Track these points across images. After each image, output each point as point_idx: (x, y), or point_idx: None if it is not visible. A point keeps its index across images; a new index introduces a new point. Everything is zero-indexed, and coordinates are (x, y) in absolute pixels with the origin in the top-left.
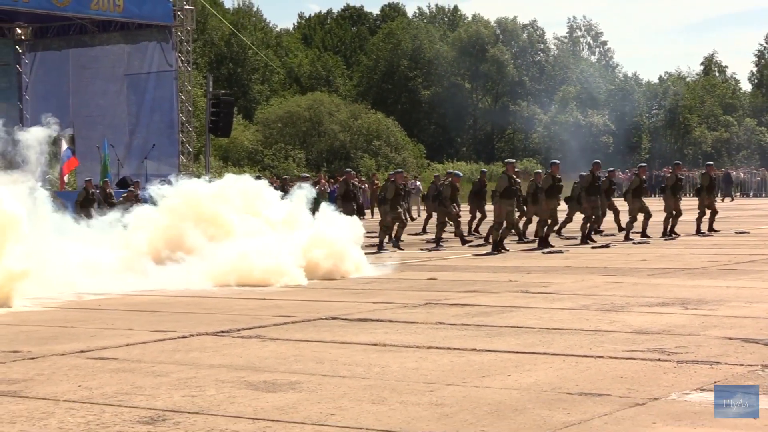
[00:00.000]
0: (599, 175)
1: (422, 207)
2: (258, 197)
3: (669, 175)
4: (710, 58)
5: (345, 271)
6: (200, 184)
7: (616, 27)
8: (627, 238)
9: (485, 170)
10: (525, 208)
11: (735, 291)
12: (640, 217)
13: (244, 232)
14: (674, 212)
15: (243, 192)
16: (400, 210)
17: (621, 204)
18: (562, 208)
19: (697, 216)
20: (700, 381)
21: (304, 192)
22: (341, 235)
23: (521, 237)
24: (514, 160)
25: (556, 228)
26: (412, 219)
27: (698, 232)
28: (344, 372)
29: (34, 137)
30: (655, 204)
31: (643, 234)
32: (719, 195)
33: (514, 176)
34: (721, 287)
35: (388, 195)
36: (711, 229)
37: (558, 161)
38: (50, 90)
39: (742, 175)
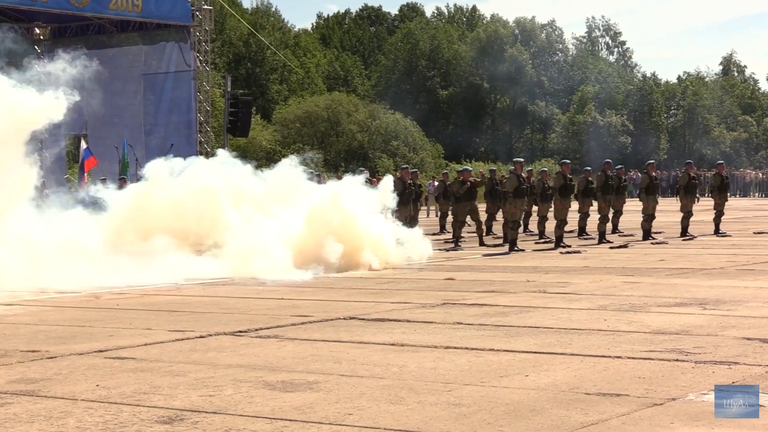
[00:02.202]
0: (611, 174)
1: (432, 207)
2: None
3: (681, 175)
4: (729, 58)
5: (365, 262)
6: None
7: (635, 27)
8: (646, 237)
9: (494, 169)
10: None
11: (753, 291)
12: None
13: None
14: (688, 212)
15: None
16: (409, 207)
17: (636, 204)
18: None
19: (714, 216)
20: (718, 381)
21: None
22: (358, 221)
23: (541, 235)
24: (522, 160)
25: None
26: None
27: (716, 232)
28: (362, 372)
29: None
30: (673, 205)
31: (683, 233)
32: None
33: (523, 175)
34: (739, 287)
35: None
36: (717, 230)
37: (568, 161)
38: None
39: (761, 175)
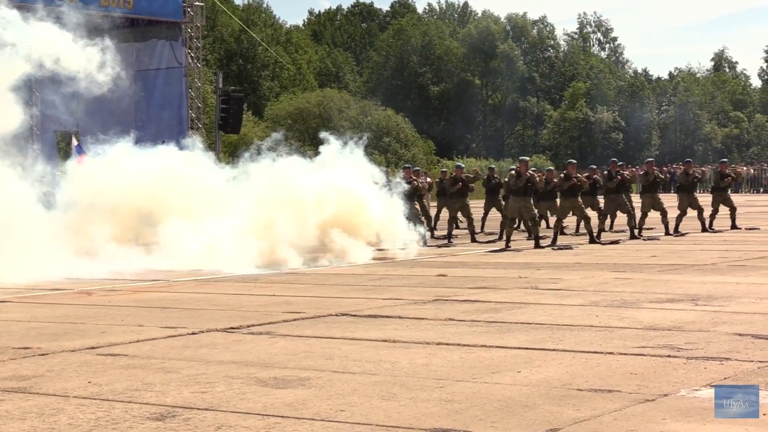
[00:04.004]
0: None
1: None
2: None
3: (680, 172)
4: (720, 54)
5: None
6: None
7: (627, 23)
8: (638, 235)
9: (493, 167)
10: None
11: (745, 287)
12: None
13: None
14: (684, 211)
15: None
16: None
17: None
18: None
19: (710, 212)
20: (709, 377)
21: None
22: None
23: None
24: (527, 158)
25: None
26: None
27: (711, 228)
28: (354, 368)
29: None
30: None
31: (674, 230)
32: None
33: (529, 173)
34: (731, 283)
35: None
36: (710, 226)
37: (574, 161)
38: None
39: (752, 171)
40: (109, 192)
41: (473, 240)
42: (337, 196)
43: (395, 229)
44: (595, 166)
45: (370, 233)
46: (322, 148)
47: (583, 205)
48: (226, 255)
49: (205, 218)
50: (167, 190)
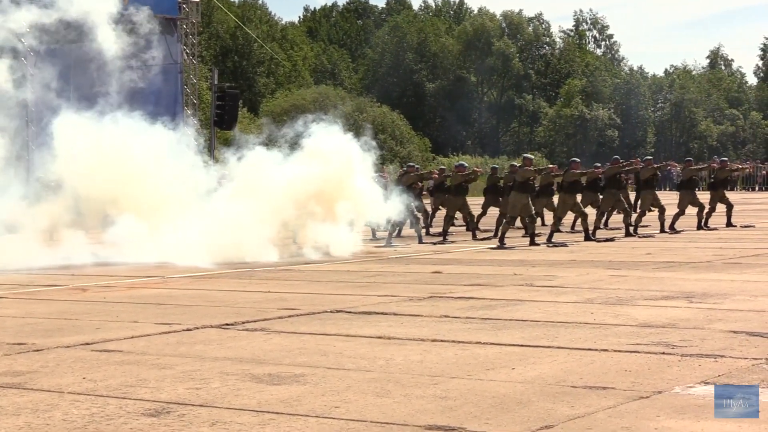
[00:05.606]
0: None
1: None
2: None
3: (681, 170)
4: (716, 51)
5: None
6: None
7: (622, 20)
8: (634, 232)
9: (497, 166)
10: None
11: (740, 285)
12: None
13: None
14: (682, 210)
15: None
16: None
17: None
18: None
19: (707, 210)
20: (704, 374)
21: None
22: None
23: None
24: (532, 156)
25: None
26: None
27: (706, 225)
28: (349, 365)
29: None
30: (669, 199)
31: (669, 228)
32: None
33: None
34: (725, 281)
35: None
36: (706, 223)
37: (578, 159)
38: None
39: (747, 169)
40: (79, 174)
41: (474, 237)
42: (319, 182)
43: (378, 207)
44: (599, 164)
45: (355, 214)
46: (304, 127)
47: (581, 203)
48: (194, 249)
49: (175, 209)
50: (138, 178)
